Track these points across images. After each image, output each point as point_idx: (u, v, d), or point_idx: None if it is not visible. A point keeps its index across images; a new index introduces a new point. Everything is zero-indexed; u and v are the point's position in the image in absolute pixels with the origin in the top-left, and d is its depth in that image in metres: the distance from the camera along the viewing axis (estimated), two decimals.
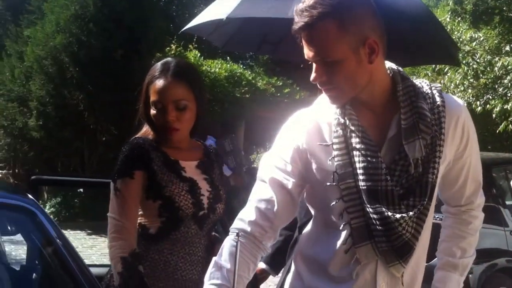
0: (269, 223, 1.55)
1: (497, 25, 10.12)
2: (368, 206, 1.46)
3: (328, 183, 1.51)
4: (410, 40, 2.69)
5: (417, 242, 1.49)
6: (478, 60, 10.16)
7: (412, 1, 2.68)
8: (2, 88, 10.49)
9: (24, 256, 2.14)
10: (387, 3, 2.40)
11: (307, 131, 1.56)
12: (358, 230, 1.49)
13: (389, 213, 1.45)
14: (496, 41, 10.17)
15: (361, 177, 1.46)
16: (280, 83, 15.32)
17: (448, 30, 10.48)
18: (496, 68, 9.69)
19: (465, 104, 1.59)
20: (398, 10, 2.42)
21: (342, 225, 1.51)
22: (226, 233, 1.88)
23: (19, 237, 2.28)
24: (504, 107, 9.79)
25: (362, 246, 1.49)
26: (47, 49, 9.89)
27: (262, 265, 2.86)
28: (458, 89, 10.65)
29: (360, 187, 1.47)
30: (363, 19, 1.43)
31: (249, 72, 14.91)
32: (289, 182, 1.56)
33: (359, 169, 1.47)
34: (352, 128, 1.49)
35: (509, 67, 9.59)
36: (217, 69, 14.33)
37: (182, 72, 1.99)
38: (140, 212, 1.99)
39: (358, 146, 1.48)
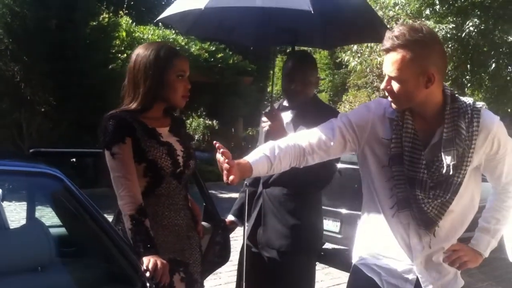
0: (319, 149, 2.12)
1: None
2: (408, 187, 2.04)
3: (384, 165, 2.10)
4: (351, 25, 3.14)
5: (440, 220, 2.05)
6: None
7: None
8: None
9: (54, 220, 2.44)
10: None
11: (376, 120, 2.14)
12: (401, 200, 2.07)
13: (420, 196, 2.02)
14: (417, 5, 10.71)
15: (406, 166, 2.04)
16: (213, 48, 15.50)
17: None
18: None
19: (499, 120, 2.09)
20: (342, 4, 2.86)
21: (391, 196, 2.09)
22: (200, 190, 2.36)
23: (48, 202, 2.55)
24: None
25: (403, 211, 2.08)
26: None
27: (231, 217, 3.24)
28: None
29: (405, 173, 2.04)
30: (429, 56, 1.95)
31: (182, 38, 14.95)
32: (349, 137, 2.14)
33: (406, 160, 2.04)
34: (407, 129, 2.05)
35: None
36: (150, 36, 14.32)
37: None
38: None
39: (408, 143, 2.04)
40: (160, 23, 16.35)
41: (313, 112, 2.90)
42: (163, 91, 2.35)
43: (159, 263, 2.03)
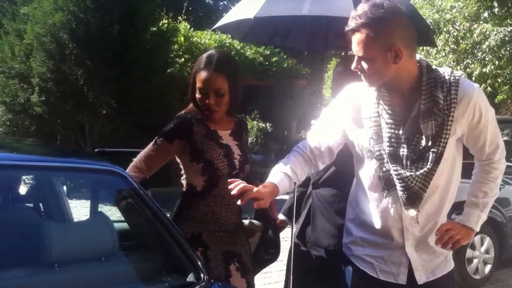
0: (314, 155, 2.25)
1: None
2: (390, 165, 2.05)
3: (366, 146, 2.11)
4: None
5: (425, 194, 2.03)
6: (458, 28, 10.57)
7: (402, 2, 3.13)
8: (3, 65, 10.55)
9: (118, 216, 2.62)
10: None
11: (353, 105, 2.17)
12: (388, 180, 2.08)
13: (401, 171, 2.02)
14: (475, 8, 10.51)
15: (386, 144, 2.05)
16: (268, 52, 15.62)
17: None
18: (475, 34, 10.10)
19: (478, 88, 2.06)
20: None
21: (378, 177, 2.11)
22: None
23: (112, 198, 2.74)
24: (483, 71, 10.29)
25: (392, 191, 2.08)
26: (46, 27, 10.03)
27: (281, 217, 3.37)
28: (440, 55, 11.07)
29: (386, 151, 2.05)
30: (393, 31, 1.96)
31: (238, 42, 15.16)
32: (331, 137, 2.23)
33: (385, 137, 2.05)
34: (384, 106, 2.06)
35: (487, 33, 10.01)
36: (207, 40, 14.60)
37: (222, 66, 2.52)
38: (186, 174, 2.57)
39: (387, 120, 2.05)
40: None
41: None
42: (195, 102, 2.57)
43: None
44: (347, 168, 2.33)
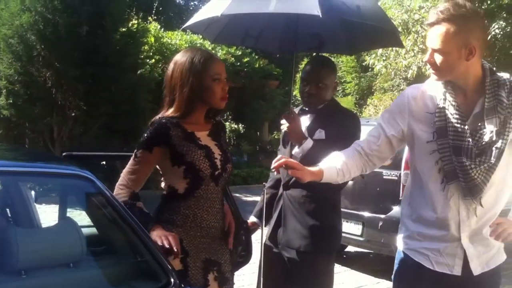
0: (371, 151, 2.34)
1: None
2: (454, 157, 2.15)
3: (428, 140, 2.22)
4: (370, 32, 3.23)
5: (485, 187, 2.14)
6: (426, 28, 10.69)
7: (370, 4, 3.16)
8: None
9: (87, 221, 2.58)
10: (340, 2, 2.93)
11: (416, 101, 2.28)
12: (449, 172, 2.17)
13: (467, 163, 2.13)
14: None
15: (451, 137, 2.15)
16: (239, 53, 15.62)
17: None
18: None
19: None
20: (363, 13, 2.95)
21: (439, 170, 2.21)
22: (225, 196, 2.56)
23: (80, 203, 2.70)
24: None
25: (453, 183, 2.18)
26: (13, 28, 9.91)
27: (253, 219, 3.36)
28: (409, 55, 11.24)
29: (450, 144, 2.15)
30: (471, 30, 2.10)
31: (209, 43, 15.10)
32: (392, 133, 2.31)
33: (450, 131, 2.16)
34: (450, 102, 2.18)
35: None
36: (177, 41, 14.52)
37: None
38: (167, 178, 2.51)
39: (452, 115, 2.16)
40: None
41: (330, 116, 3.00)
42: (202, 96, 2.48)
43: (167, 236, 2.25)
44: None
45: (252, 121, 16.90)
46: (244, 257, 3.10)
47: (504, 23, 9.99)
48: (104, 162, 2.98)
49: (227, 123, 15.98)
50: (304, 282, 2.98)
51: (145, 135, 2.47)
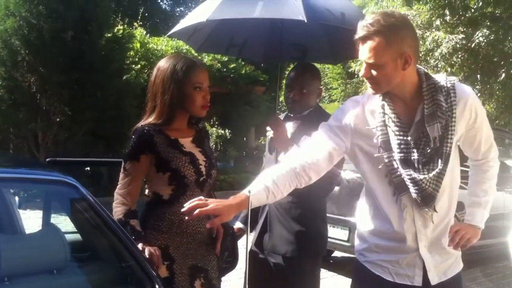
0: (309, 165, 2.17)
1: (428, 1, 10.69)
2: (402, 169, 2.12)
3: (375, 155, 2.16)
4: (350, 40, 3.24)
5: (438, 193, 2.12)
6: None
7: (347, 6, 3.16)
8: None
9: (69, 227, 2.56)
10: (324, 8, 2.93)
11: (358, 117, 2.22)
12: (399, 184, 2.14)
13: (415, 175, 2.09)
14: (427, 16, 10.72)
15: (396, 150, 2.12)
16: (226, 59, 15.58)
17: (383, 6, 11.16)
18: (427, 42, 10.32)
19: (472, 90, 2.19)
20: (347, 20, 2.92)
21: (389, 183, 2.17)
22: None
23: (63, 209, 2.67)
24: None
25: (404, 194, 2.15)
26: None
27: (239, 225, 3.34)
28: None
29: (396, 157, 2.12)
30: (404, 39, 2.05)
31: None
32: (334, 146, 2.21)
33: (395, 144, 2.12)
34: (390, 115, 2.13)
35: (439, 40, 10.27)
36: (163, 47, 14.47)
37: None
38: (151, 184, 2.50)
39: (394, 128, 2.12)
40: None
41: (315, 122, 3.00)
42: (182, 103, 2.48)
43: (151, 249, 2.25)
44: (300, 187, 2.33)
45: (239, 127, 16.89)
46: (230, 263, 3.08)
47: (487, 31, 10.08)
48: (88, 168, 2.94)
49: (213, 129, 15.98)
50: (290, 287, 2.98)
51: (129, 146, 2.46)
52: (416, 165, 2.10)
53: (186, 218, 1.98)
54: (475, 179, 2.39)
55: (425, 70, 2.18)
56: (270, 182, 2.07)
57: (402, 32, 2.04)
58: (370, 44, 2.04)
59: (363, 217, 2.38)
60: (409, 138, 2.10)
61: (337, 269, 6.71)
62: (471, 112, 2.15)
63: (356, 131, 2.22)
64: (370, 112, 2.20)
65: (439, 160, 2.09)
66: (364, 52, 2.07)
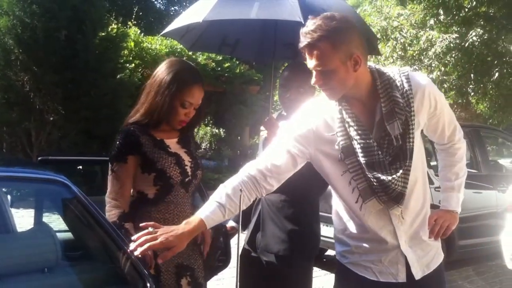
0: (271, 173, 2.10)
1: (421, 0, 10.75)
2: (368, 173, 2.05)
3: (337, 161, 2.10)
4: None
5: (406, 190, 2.07)
6: (405, 35, 10.85)
7: (342, 6, 3.15)
8: None
9: (61, 226, 2.55)
10: (320, 9, 2.92)
11: (317, 124, 2.13)
12: (363, 190, 2.08)
13: (383, 177, 2.03)
14: (421, 16, 10.75)
15: (360, 154, 2.05)
16: (220, 58, 15.55)
17: (377, 6, 11.19)
18: (421, 41, 10.36)
19: (427, 77, 2.14)
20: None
21: (352, 190, 2.10)
22: (203, 198, 2.44)
23: (55, 208, 2.67)
24: (430, 76, 10.57)
25: (369, 201, 2.09)
26: None
27: (231, 223, 3.35)
28: (388, 61, 11.32)
29: (361, 161, 2.05)
30: (350, 40, 1.98)
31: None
32: (296, 152, 2.13)
33: (358, 148, 2.05)
34: (349, 119, 2.06)
35: (433, 39, 10.30)
36: (157, 46, 14.43)
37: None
38: (136, 184, 2.49)
39: (354, 132, 2.05)
40: None
41: None
42: (165, 111, 2.48)
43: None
44: (295, 174, 2.33)
45: (233, 126, 16.88)
46: (223, 262, 3.09)
47: (481, 31, 10.11)
48: (80, 167, 2.94)
49: (208, 128, 15.96)
50: (283, 287, 2.98)
51: (115, 147, 2.45)
52: (382, 166, 2.04)
53: (136, 254, 1.85)
54: (444, 163, 2.38)
55: (376, 67, 2.12)
56: (224, 199, 1.99)
57: (347, 33, 1.98)
58: (316, 51, 1.97)
59: (339, 221, 2.34)
60: (371, 140, 2.04)
61: (330, 268, 6.70)
62: (430, 100, 2.10)
63: (317, 138, 2.14)
64: (330, 118, 2.13)
65: (404, 157, 2.05)
66: (312, 60, 2.00)
